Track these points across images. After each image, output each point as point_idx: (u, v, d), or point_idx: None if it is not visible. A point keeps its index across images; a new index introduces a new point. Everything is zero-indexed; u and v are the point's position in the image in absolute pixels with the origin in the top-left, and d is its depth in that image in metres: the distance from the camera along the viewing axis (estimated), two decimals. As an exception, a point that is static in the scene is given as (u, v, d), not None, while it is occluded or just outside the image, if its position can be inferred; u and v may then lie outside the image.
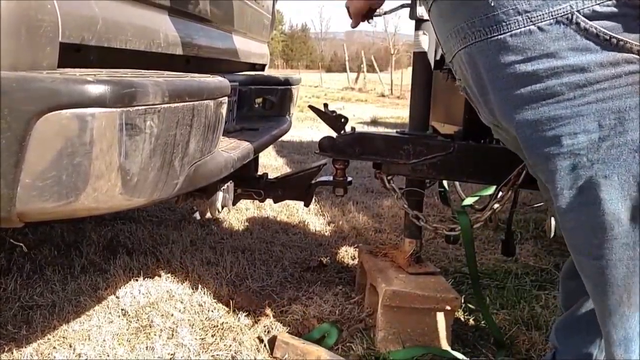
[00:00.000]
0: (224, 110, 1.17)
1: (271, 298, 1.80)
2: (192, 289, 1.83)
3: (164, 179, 0.95)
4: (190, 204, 2.64)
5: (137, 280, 1.85)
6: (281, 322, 1.62)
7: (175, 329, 1.56)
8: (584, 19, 0.80)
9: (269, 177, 1.93)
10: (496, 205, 1.45)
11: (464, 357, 1.48)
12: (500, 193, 1.44)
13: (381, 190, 3.00)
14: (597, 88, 0.81)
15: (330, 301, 1.74)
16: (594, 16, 0.80)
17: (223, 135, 1.29)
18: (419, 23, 1.58)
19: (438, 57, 1.61)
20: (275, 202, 1.93)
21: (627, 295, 0.86)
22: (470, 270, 1.56)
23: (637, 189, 0.83)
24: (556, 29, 0.81)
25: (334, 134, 1.60)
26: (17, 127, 0.74)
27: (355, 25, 1.53)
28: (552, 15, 0.81)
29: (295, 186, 1.88)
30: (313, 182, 1.86)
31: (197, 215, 2.57)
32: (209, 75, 1.16)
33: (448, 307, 1.50)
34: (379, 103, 13.95)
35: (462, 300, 1.65)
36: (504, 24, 0.84)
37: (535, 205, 2.88)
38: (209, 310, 1.68)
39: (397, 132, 1.64)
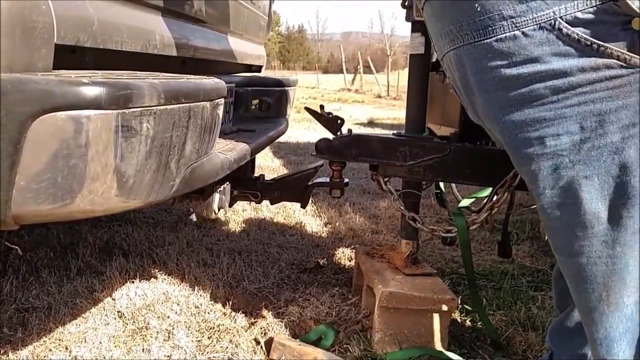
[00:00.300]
0: (220, 111, 1.17)
1: (268, 300, 1.80)
2: (189, 290, 1.82)
3: (160, 180, 0.95)
4: (186, 206, 2.65)
5: (133, 282, 1.85)
6: (278, 324, 1.62)
7: (172, 331, 1.55)
8: (566, 25, 0.82)
9: (266, 178, 1.93)
10: (493, 207, 1.46)
11: (461, 358, 1.48)
12: (497, 195, 1.45)
13: (378, 192, 3.00)
14: (579, 92, 0.83)
15: (327, 303, 1.74)
16: (576, 22, 0.82)
17: (219, 137, 1.29)
18: (416, 25, 1.59)
19: (434, 59, 1.62)
20: (272, 203, 1.93)
21: (607, 293, 0.88)
22: (466, 272, 1.57)
23: (616, 189, 0.85)
24: (540, 35, 0.83)
25: (330, 136, 1.60)
26: (12, 129, 0.74)
27: None
28: (535, 21, 0.83)
29: (292, 188, 1.88)
30: (310, 183, 1.86)
31: (194, 217, 2.57)
32: (205, 76, 1.15)
33: (445, 308, 1.50)
34: (376, 104, 13.97)
35: (459, 302, 1.65)
36: (489, 28, 0.86)
37: (532, 207, 2.88)
38: (205, 312, 1.68)
39: (393, 134, 1.65)
